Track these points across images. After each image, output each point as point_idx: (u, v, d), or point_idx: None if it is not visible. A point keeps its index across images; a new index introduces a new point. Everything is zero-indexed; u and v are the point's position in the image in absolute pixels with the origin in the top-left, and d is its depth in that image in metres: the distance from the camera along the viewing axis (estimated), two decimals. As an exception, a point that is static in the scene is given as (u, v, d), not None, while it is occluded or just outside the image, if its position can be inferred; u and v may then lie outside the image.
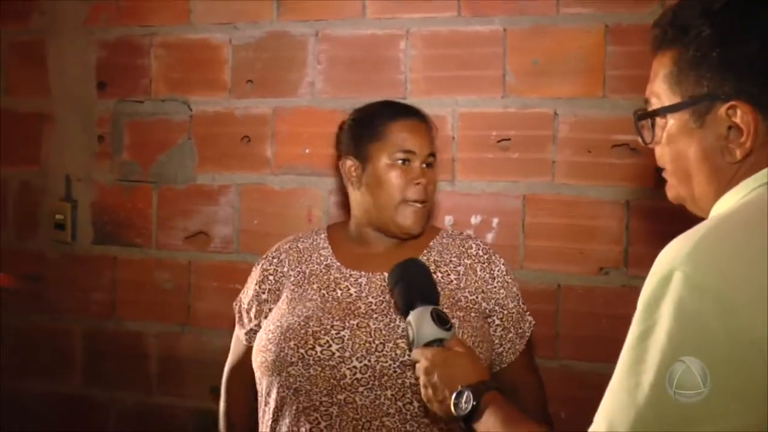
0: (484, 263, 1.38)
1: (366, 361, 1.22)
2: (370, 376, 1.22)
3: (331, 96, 1.83)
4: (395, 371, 1.22)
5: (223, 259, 1.92)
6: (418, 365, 1.07)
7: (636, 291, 0.76)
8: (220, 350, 1.87)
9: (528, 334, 1.40)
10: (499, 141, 1.73)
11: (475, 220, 1.75)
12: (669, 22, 0.86)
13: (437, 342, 1.06)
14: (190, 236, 1.95)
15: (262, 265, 1.44)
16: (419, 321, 1.07)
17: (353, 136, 1.41)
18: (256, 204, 1.89)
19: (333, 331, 1.25)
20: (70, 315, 2.03)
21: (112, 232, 2.01)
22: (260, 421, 1.34)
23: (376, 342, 1.23)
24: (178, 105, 1.95)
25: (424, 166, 1.36)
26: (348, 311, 1.28)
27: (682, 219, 0.88)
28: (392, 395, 1.22)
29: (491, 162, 1.74)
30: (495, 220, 1.74)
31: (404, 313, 1.12)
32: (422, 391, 1.06)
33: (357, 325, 1.25)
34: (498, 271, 1.38)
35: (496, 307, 1.35)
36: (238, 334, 1.46)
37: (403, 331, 1.22)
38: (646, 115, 0.88)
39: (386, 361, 1.22)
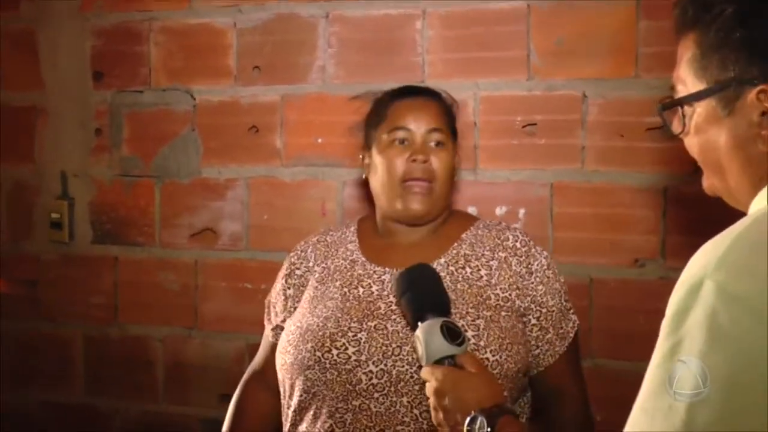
0: (521, 256, 1.37)
1: (382, 366, 1.23)
2: (386, 382, 1.23)
3: (343, 81, 1.85)
4: (412, 377, 1.23)
5: (231, 258, 1.94)
6: (427, 385, 1.05)
7: (674, 284, 0.76)
8: (229, 355, 1.93)
9: (571, 335, 1.39)
10: (524, 126, 1.74)
11: (499, 211, 1.76)
12: (690, 0, 0.85)
13: (448, 359, 1.05)
14: (196, 234, 1.98)
15: (290, 258, 1.50)
16: (428, 336, 1.05)
17: (364, 124, 1.49)
18: (266, 198, 1.92)
19: (350, 333, 1.27)
20: (70, 320, 2.07)
21: (112, 230, 2.04)
22: (284, 422, 1.38)
23: (393, 345, 1.25)
24: (180, 94, 1.97)
25: (432, 144, 1.37)
26: (367, 312, 1.30)
27: (724, 206, 0.89)
28: (408, 402, 1.23)
29: (516, 149, 1.75)
30: (521, 211, 1.75)
31: (413, 327, 1.11)
32: (432, 414, 1.05)
33: (375, 327, 1.27)
34: (537, 265, 1.37)
35: (533, 305, 1.35)
36: (266, 331, 1.51)
37: None
38: (671, 105, 0.88)
39: (403, 366, 1.23)
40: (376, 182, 1.40)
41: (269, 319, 1.50)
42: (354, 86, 1.82)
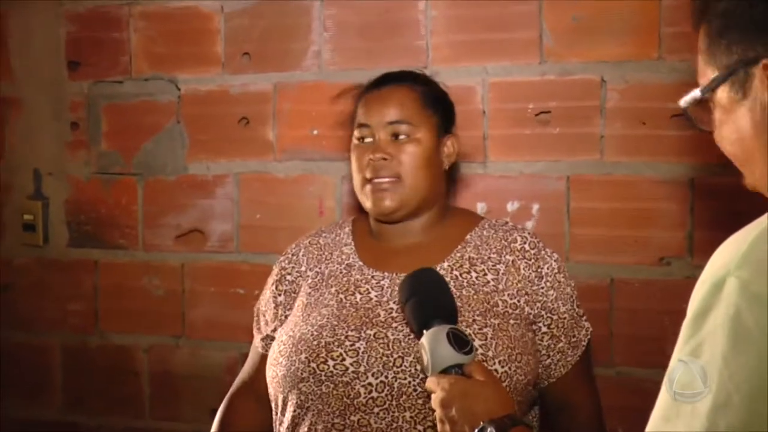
0: (530, 260, 1.37)
1: (383, 378, 1.23)
2: (387, 395, 1.22)
3: (340, 68, 1.85)
4: (415, 390, 1.22)
5: (221, 260, 1.95)
6: (433, 396, 1.05)
7: None
8: (220, 366, 1.93)
9: (584, 343, 1.39)
10: (537, 114, 1.74)
11: (511, 206, 1.76)
12: None
13: (455, 368, 1.05)
14: (183, 235, 1.98)
15: (281, 263, 1.49)
16: (434, 343, 1.06)
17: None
18: (258, 195, 1.92)
19: (347, 343, 1.26)
20: (46, 329, 2.07)
21: (91, 232, 2.04)
22: (275, 422, 1.37)
23: (394, 356, 1.24)
24: (163, 84, 1.97)
25: (393, 138, 1.36)
26: (365, 319, 1.29)
27: (756, 199, 0.88)
28: (411, 417, 1.22)
29: (529, 139, 1.74)
30: (535, 206, 1.75)
31: (417, 334, 1.11)
32: (438, 427, 1.04)
33: (374, 335, 1.26)
34: (548, 268, 1.37)
35: (543, 312, 1.34)
36: (255, 341, 1.50)
37: None
38: (691, 101, 0.89)
39: (405, 378, 1.22)
40: (353, 183, 1.43)
41: (258, 329, 1.49)
42: (352, 73, 1.81)
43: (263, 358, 1.44)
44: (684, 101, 0.91)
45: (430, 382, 1.06)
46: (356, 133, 1.41)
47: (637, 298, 1.70)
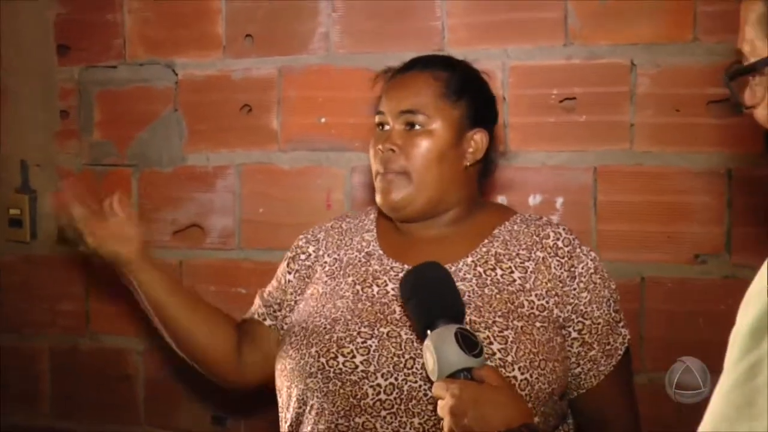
0: (563, 257, 1.35)
1: (392, 379, 1.23)
2: (395, 398, 1.23)
3: (350, 51, 1.85)
4: (425, 394, 1.21)
5: (221, 258, 1.95)
6: (441, 403, 1.03)
7: (742, 284, 0.74)
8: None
9: (620, 352, 1.36)
10: (561, 101, 1.74)
11: (533, 200, 1.76)
12: None
13: (464, 372, 1.03)
14: (181, 230, 1.98)
15: (298, 241, 1.52)
16: (440, 345, 1.04)
17: None
18: (261, 188, 1.92)
19: (359, 339, 1.27)
20: (34, 331, 2.08)
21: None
22: (281, 420, 1.39)
23: (406, 356, 1.24)
24: (160, 69, 1.98)
25: (407, 127, 1.37)
26: (380, 315, 1.30)
27: None
28: (420, 424, 1.21)
29: (552, 127, 1.74)
30: (559, 200, 1.75)
31: (421, 335, 1.10)
32: None
33: (387, 333, 1.27)
34: (582, 268, 1.35)
35: (573, 316, 1.33)
36: (252, 309, 1.54)
37: None
38: (740, 72, 0.87)
39: (416, 381, 1.22)
40: None
41: (261, 295, 1.53)
42: (362, 57, 1.82)
43: (252, 322, 1.50)
44: (730, 73, 0.89)
45: (438, 388, 1.04)
46: (375, 119, 1.42)
47: (670, 299, 1.69)
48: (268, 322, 1.49)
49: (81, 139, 2.04)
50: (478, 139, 1.40)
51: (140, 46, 1.99)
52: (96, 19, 2.01)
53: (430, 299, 1.12)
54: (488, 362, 1.13)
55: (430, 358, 1.06)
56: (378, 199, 1.39)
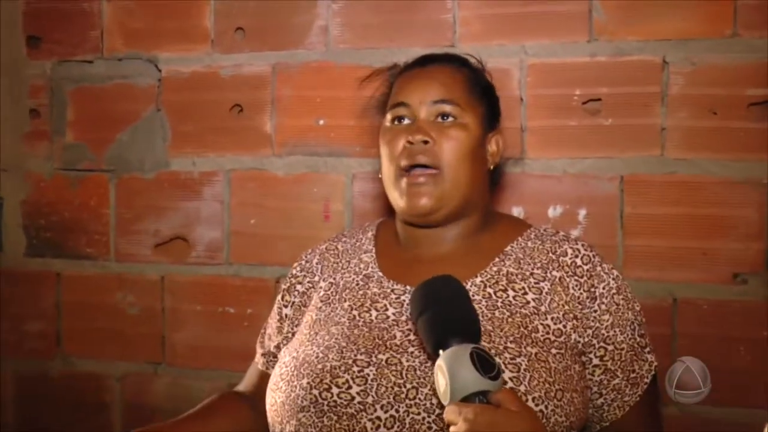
0: (582, 277, 1.36)
1: (393, 411, 1.22)
2: None
3: (351, 46, 1.85)
4: (430, 427, 1.20)
5: (208, 274, 1.95)
6: (453, 429, 1.03)
7: None
8: (204, 396, 1.91)
9: (646, 380, 1.36)
10: (585, 102, 1.73)
11: (553, 212, 1.75)
12: None
13: (479, 396, 1.03)
14: (163, 243, 1.98)
15: (292, 270, 1.53)
16: (454, 366, 1.04)
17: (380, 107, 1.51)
18: (253, 197, 1.92)
19: (355, 368, 1.26)
20: None
21: (54, 239, 2.04)
22: None
23: (408, 386, 1.23)
24: (141, 65, 1.97)
25: (439, 119, 1.37)
26: (378, 341, 1.30)
27: None
28: None
29: (575, 131, 1.74)
30: (581, 212, 1.74)
31: (432, 354, 1.10)
32: None
33: (386, 361, 1.26)
34: (604, 288, 1.35)
35: (594, 340, 1.33)
36: (256, 357, 1.55)
37: None
38: None
39: (419, 413, 1.21)
40: (383, 176, 1.43)
41: (261, 343, 1.54)
42: (364, 53, 1.82)
43: (263, 376, 1.47)
44: None
45: (450, 412, 1.04)
46: (390, 114, 1.41)
47: (705, 323, 1.68)
48: (271, 371, 1.48)
49: (53, 141, 2.04)
50: (495, 142, 1.44)
51: (120, 38, 1.99)
52: (70, 7, 2.01)
53: (444, 315, 1.12)
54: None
55: (442, 380, 1.05)
56: (402, 203, 1.37)
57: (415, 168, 1.36)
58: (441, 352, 1.07)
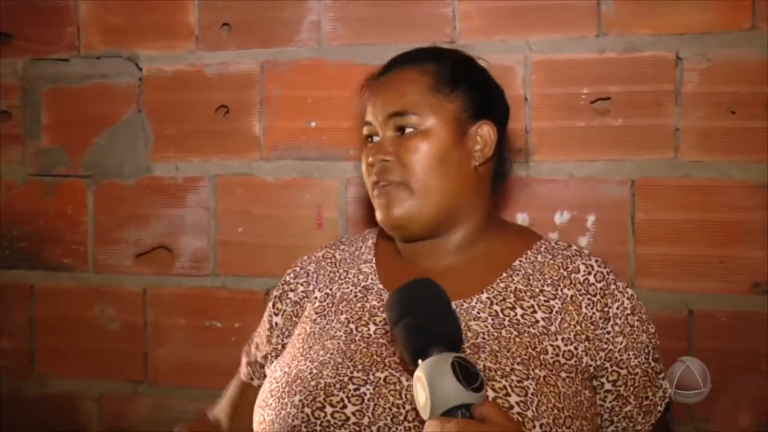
0: (595, 295, 1.35)
1: None
2: None
3: (345, 43, 1.85)
4: None
5: (193, 285, 1.95)
6: None
7: None
8: (190, 419, 1.92)
9: (659, 408, 1.36)
10: (593, 101, 1.73)
11: (560, 218, 1.75)
12: None
13: (462, 410, 1.03)
14: (145, 253, 1.98)
15: (285, 277, 1.53)
16: (434, 377, 1.04)
17: None
18: (241, 203, 1.92)
19: (351, 386, 1.25)
20: (-32, 373, 2.06)
21: (28, 249, 2.04)
22: None
23: (407, 407, 1.22)
24: (121, 63, 1.97)
25: (398, 133, 1.38)
26: (377, 358, 1.28)
27: None
28: None
29: (583, 133, 1.73)
30: (590, 218, 1.74)
31: (411, 365, 1.10)
32: None
33: (384, 379, 1.25)
34: (618, 308, 1.35)
35: (607, 364, 1.32)
36: (240, 367, 1.55)
37: None
38: None
39: None
40: None
41: (247, 352, 1.54)
42: (359, 50, 1.82)
43: (245, 388, 1.49)
44: None
45: (431, 427, 1.03)
46: (363, 131, 1.44)
47: (723, 336, 1.68)
48: (255, 382, 1.47)
49: (26, 145, 2.04)
50: (484, 133, 1.40)
51: (97, 34, 1.99)
52: (44, 1, 2.01)
53: (422, 322, 1.11)
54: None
55: (421, 393, 1.05)
56: (378, 216, 1.39)
57: (377, 186, 1.38)
58: (420, 362, 1.06)
